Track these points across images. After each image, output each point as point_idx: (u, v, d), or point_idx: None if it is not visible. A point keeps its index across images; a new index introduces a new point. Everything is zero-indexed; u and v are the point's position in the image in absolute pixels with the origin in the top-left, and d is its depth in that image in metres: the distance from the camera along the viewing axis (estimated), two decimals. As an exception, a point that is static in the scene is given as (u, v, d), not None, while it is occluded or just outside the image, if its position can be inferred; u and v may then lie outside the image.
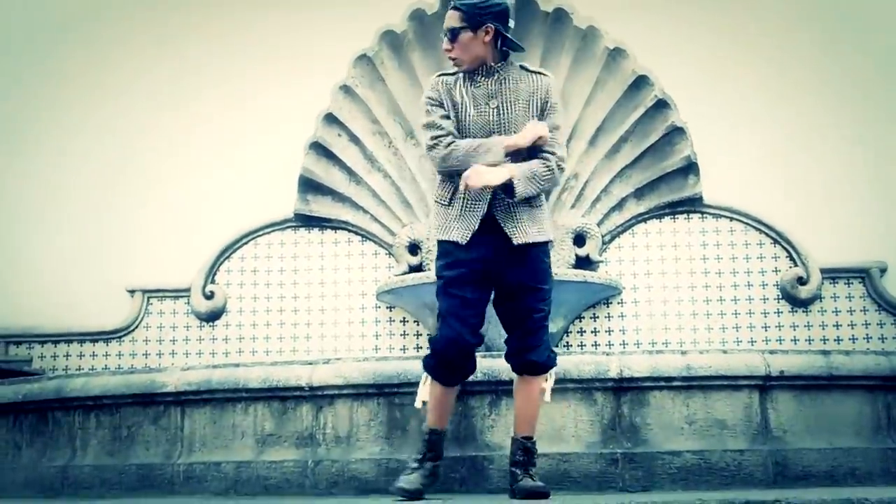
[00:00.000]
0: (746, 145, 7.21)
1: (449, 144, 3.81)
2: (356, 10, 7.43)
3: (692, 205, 7.22)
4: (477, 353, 3.85)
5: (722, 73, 7.29)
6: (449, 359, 3.76)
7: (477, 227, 3.81)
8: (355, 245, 7.33)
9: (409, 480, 3.70)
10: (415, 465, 3.77)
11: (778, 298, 7.08)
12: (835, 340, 6.99)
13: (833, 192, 7.17)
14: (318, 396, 4.36)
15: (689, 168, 7.16)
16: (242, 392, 4.41)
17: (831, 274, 7.08)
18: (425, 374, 3.87)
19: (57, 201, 7.61)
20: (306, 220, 7.38)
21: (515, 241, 3.80)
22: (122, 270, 7.43)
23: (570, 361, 4.27)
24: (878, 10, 7.44)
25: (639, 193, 7.24)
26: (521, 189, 3.71)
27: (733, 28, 7.39)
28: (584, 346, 7.10)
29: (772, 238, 7.16)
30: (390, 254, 7.27)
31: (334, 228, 7.38)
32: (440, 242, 3.90)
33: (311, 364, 4.43)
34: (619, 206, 7.25)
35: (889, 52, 7.36)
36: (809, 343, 6.99)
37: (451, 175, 3.87)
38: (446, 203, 3.89)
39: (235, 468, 4.33)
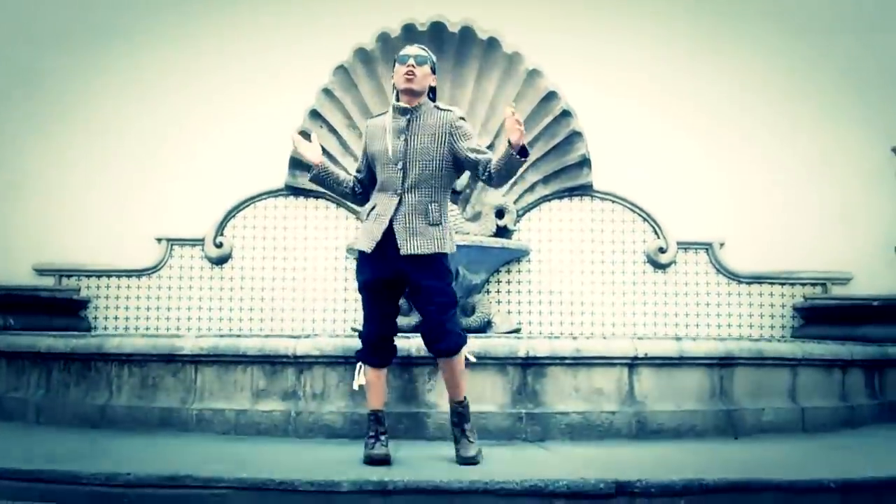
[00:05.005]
0: (627, 147, 7.05)
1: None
2: (339, 30, 7.06)
3: (585, 190, 7.06)
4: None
5: (611, 92, 7.06)
6: (371, 348, 3.57)
7: (381, 238, 3.48)
8: (331, 210, 7.10)
9: (375, 451, 3.45)
10: (372, 440, 3.50)
11: (644, 262, 7.03)
12: (684, 294, 7.01)
13: (688, 184, 7.08)
14: (300, 363, 4.25)
15: (584, 162, 6.99)
16: (242, 357, 4.29)
17: (684, 245, 7.03)
18: (359, 363, 3.63)
19: (103, 165, 7.19)
20: (294, 191, 7.10)
21: (402, 252, 3.46)
22: (152, 222, 7.11)
23: (490, 344, 4.21)
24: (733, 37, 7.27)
25: (546, 180, 7.07)
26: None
27: (621, 57, 7.16)
28: (501, 292, 7.04)
29: (641, 217, 7.08)
30: (357, 217, 7.06)
31: (315, 197, 7.10)
32: (356, 251, 3.65)
33: (295, 338, 4.30)
34: (531, 189, 7.08)
35: (731, 67, 7.22)
36: (665, 296, 7.00)
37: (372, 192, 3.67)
38: (365, 217, 3.64)
39: (235, 415, 4.24)
